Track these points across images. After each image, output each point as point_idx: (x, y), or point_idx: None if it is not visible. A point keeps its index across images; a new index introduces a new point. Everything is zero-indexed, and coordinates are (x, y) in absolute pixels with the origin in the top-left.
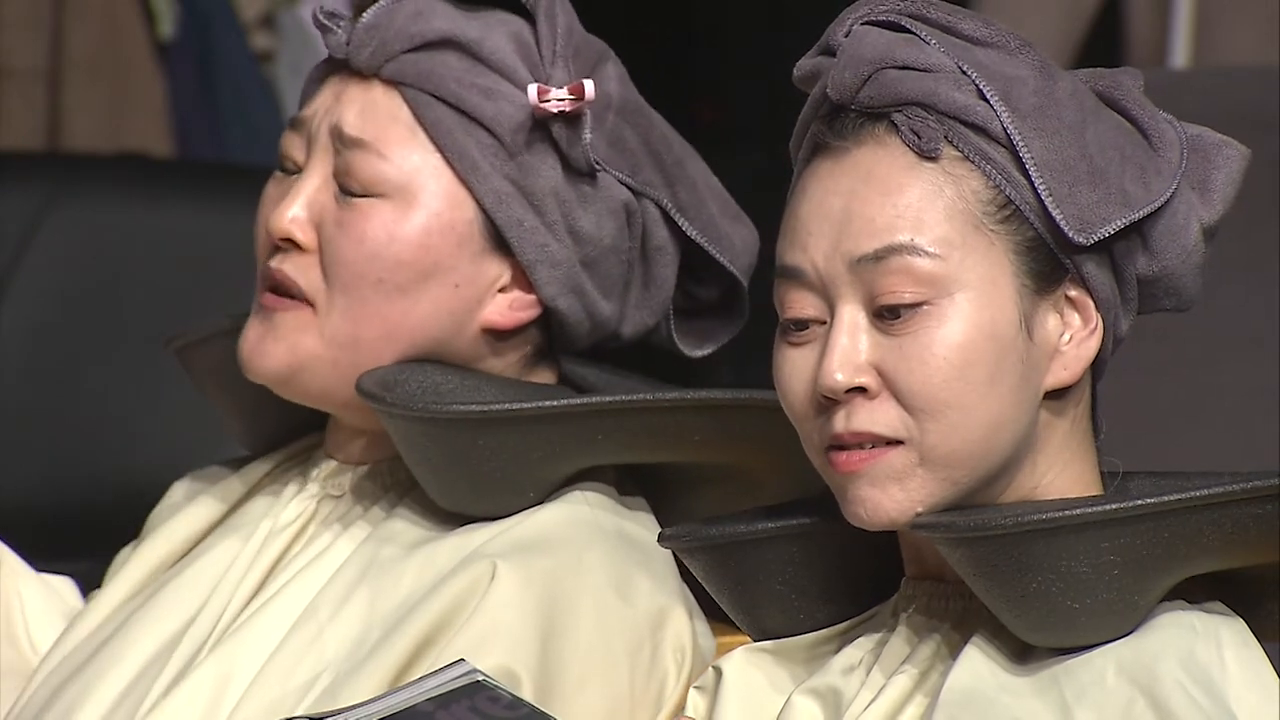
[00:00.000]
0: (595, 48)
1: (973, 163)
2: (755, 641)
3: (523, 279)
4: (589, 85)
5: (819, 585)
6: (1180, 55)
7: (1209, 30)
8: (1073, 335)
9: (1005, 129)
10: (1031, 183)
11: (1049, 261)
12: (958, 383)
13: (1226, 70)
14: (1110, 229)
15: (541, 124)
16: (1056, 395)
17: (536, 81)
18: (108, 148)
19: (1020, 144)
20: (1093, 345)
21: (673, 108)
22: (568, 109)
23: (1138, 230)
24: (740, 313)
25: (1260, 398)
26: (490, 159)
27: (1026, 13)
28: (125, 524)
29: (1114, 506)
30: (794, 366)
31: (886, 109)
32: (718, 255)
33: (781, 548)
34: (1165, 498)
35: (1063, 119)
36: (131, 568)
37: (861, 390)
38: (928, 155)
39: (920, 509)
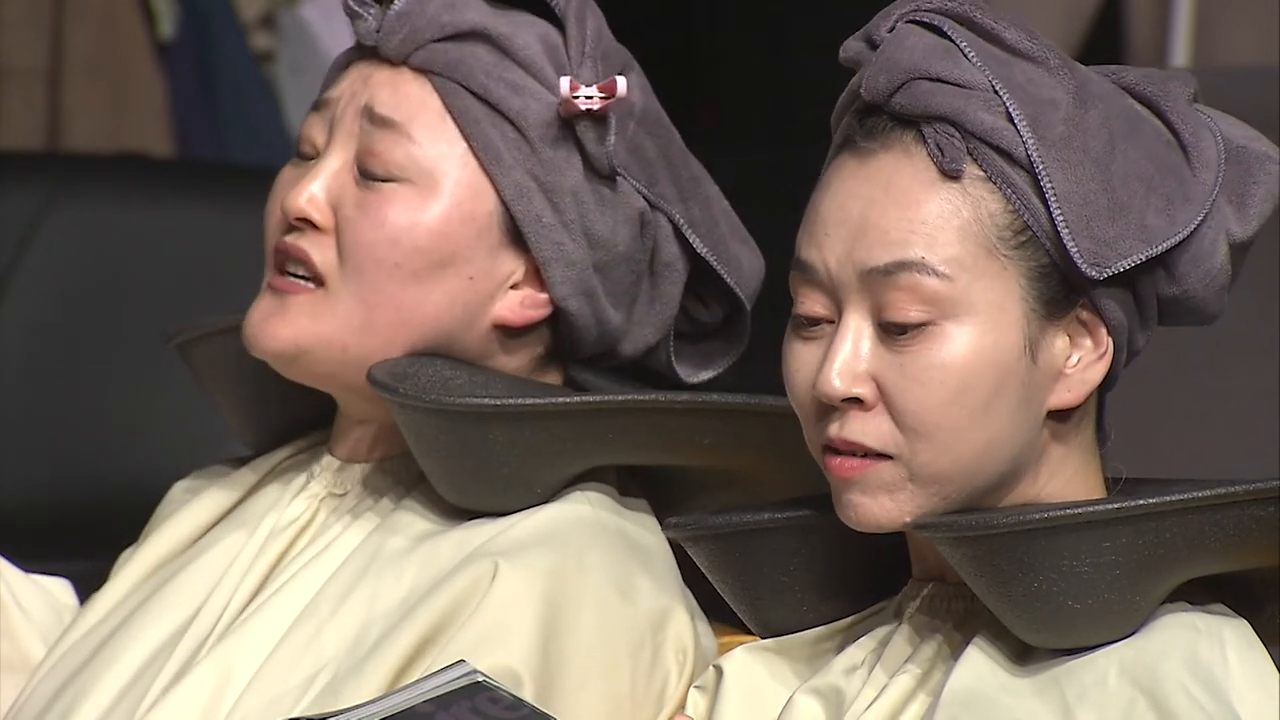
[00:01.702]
0: (621, 55)
1: (994, 184)
2: (757, 636)
3: (535, 278)
4: (621, 82)
5: (823, 579)
6: (1180, 55)
7: (1209, 30)
8: (1081, 358)
9: (1029, 155)
10: (1050, 211)
11: (1061, 288)
12: (953, 407)
13: (1226, 70)
14: (1126, 264)
15: (566, 123)
16: (1061, 411)
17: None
18: (108, 148)
19: (1042, 173)
20: (1100, 369)
21: (672, 108)
22: (596, 106)
23: (1159, 257)
24: (740, 339)
25: (1265, 402)
26: (514, 152)
27: (1027, 13)
28: (125, 524)
29: (1115, 505)
30: (801, 361)
31: (916, 119)
32: (725, 275)
33: (786, 539)
34: (1166, 498)
35: (1088, 150)
36: (134, 565)
37: (858, 400)
38: (950, 174)
39: (909, 518)
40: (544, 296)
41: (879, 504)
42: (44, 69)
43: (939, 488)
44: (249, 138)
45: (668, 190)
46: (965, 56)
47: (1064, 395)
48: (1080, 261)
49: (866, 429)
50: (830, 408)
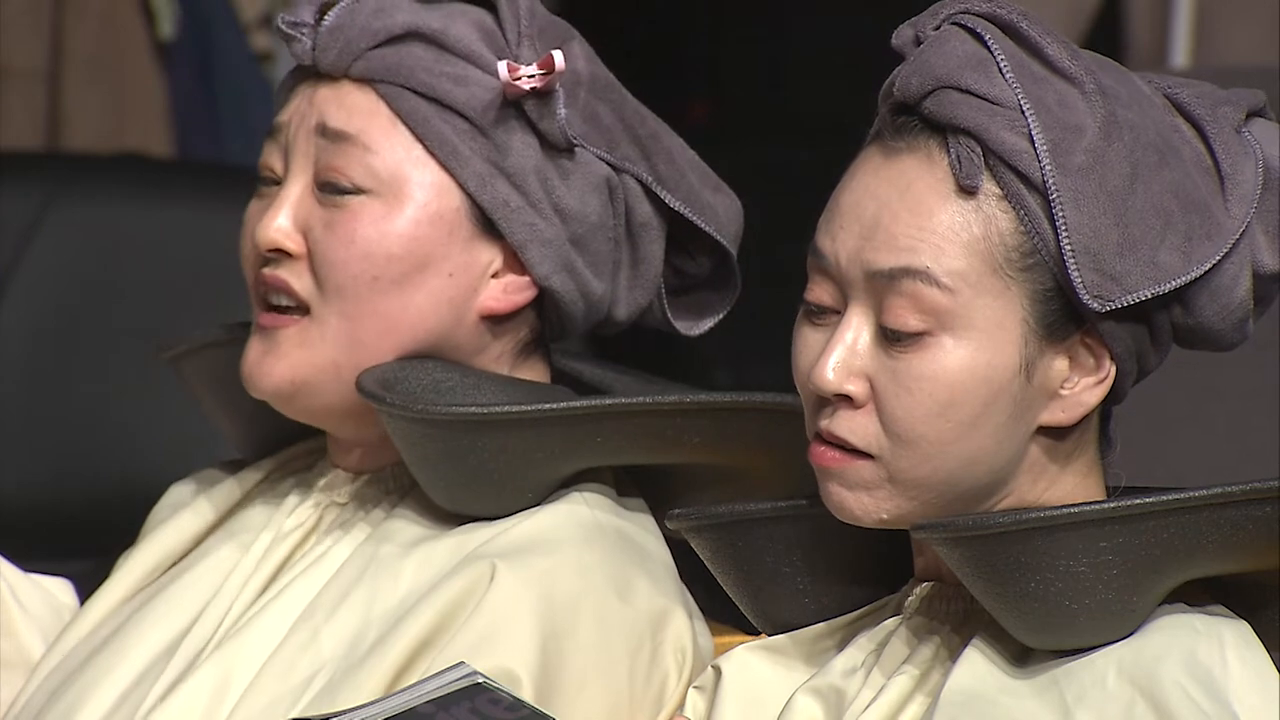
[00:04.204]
0: (560, 28)
1: (1009, 204)
2: (757, 630)
3: (514, 262)
4: (558, 56)
5: (826, 570)
6: (1180, 55)
7: (1209, 30)
8: (1079, 381)
9: (1045, 181)
10: (1059, 240)
11: (1065, 313)
12: (938, 419)
13: (1226, 70)
14: (1131, 299)
15: (514, 104)
16: (1059, 427)
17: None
18: (108, 148)
19: (1056, 200)
20: (1099, 392)
21: (667, 105)
22: (539, 84)
23: (1173, 291)
24: (732, 283)
25: (1261, 400)
26: (468, 143)
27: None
28: (126, 524)
29: (1112, 505)
30: (806, 345)
31: (942, 127)
32: (703, 225)
33: (790, 529)
34: (1163, 497)
35: (1105, 184)
36: (129, 569)
37: (849, 398)
38: (966, 188)
39: (886, 516)
40: (526, 279)
41: (856, 499)
42: (44, 69)
43: (918, 492)
44: (249, 138)
45: (630, 151)
46: (1000, 71)
47: (1058, 414)
48: (1084, 294)
49: (853, 426)
50: (824, 399)
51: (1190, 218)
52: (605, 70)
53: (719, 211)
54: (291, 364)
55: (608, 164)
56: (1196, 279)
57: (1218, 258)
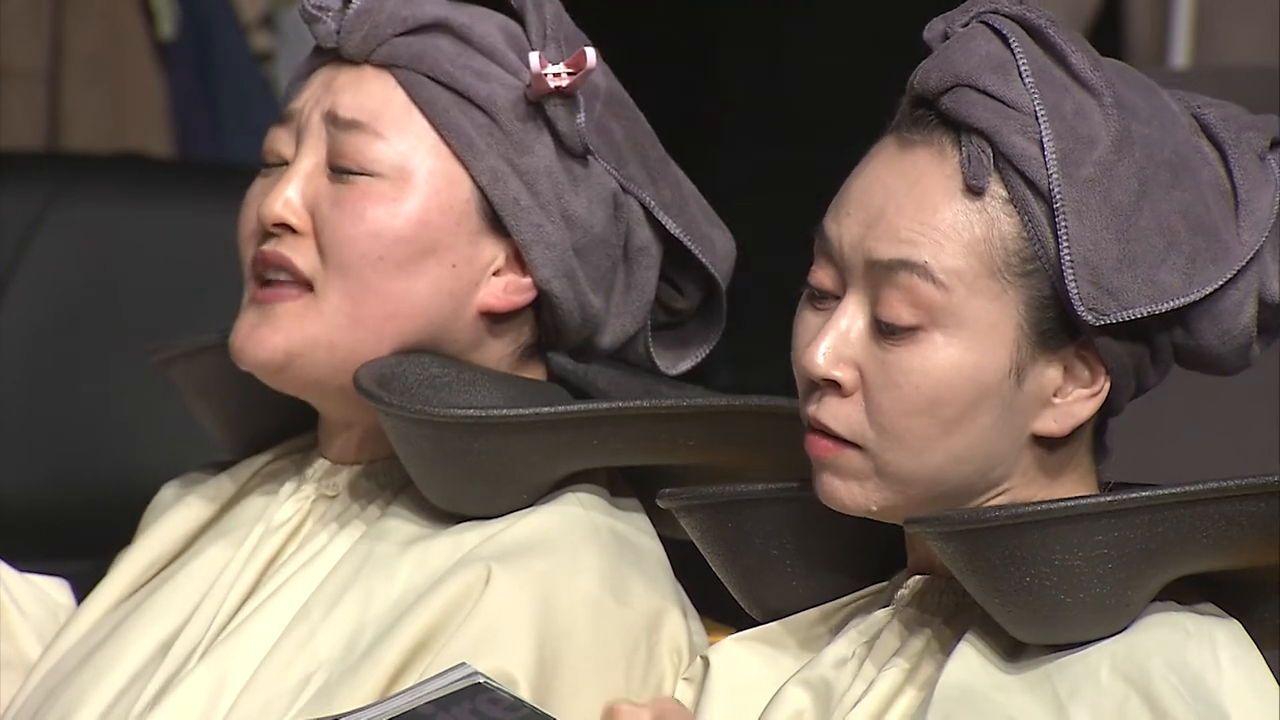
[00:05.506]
0: (581, 40)
1: (1015, 207)
2: (748, 615)
3: (517, 262)
4: (590, 53)
5: (816, 554)
6: (1180, 55)
7: (1209, 30)
8: (1073, 392)
9: (1051, 190)
10: (1059, 249)
11: (1060, 322)
12: (923, 416)
13: (1226, 70)
14: (1125, 315)
15: (535, 106)
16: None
17: (527, 69)
18: (108, 148)
19: (1059, 211)
20: (1092, 405)
21: (677, 105)
22: (565, 83)
23: (1173, 311)
24: (717, 323)
25: (1260, 401)
26: (485, 138)
27: None
28: (126, 525)
29: (1108, 499)
30: (806, 328)
31: (957, 124)
32: (699, 254)
33: (780, 512)
34: (1159, 491)
35: (1111, 198)
36: (123, 570)
37: (837, 385)
38: (973, 188)
39: (875, 507)
40: (527, 280)
41: (847, 488)
42: (44, 69)
43: (904, 486)
44: (249, 138)
45: (637, 172)
46: (1020, 74)
47: (1049, 424)
48: (1079, 305)
49: (839, 415)
50: (814, 385)
51: (1197, 240)
52: (620, 88)
53: (715, 244)
54: (287, 335)
55: (615, 181)
56: (1198, 301)
57: (1221, 282)
